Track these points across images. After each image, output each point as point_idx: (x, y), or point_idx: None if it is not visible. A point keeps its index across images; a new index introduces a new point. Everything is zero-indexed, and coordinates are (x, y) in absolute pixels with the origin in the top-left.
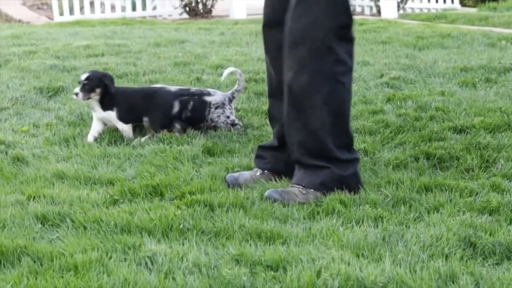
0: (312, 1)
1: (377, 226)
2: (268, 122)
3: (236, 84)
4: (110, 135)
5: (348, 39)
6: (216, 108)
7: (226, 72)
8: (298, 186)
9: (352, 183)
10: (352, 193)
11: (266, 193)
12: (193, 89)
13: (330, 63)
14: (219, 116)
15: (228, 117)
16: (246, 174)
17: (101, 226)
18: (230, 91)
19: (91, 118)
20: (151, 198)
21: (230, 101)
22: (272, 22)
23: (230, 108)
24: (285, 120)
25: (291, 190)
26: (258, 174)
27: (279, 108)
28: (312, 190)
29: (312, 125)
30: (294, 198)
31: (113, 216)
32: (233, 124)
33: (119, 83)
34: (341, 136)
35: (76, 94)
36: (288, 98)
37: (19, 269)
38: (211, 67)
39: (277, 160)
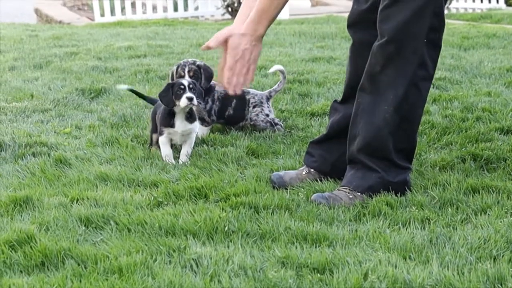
0: (405, 0)
1: (424, 228)
2: (313, 123)
3: (276, 84)
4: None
5: (435, 44)
6: (254, 106)
7: (274, 68)
8: (345, 188)
9: (399, 190)
10: (399, 195)
11: (312, 197)
12: None
13: (413, 65)
14: (257, 115)
15: (267, 115)
16: (292, 172)
17: (145, 228)
18: (268, 90)
19: (134, 119)
20: (195, 200)
21: (268, 99)
22: (358, 22)
23: (268, 107)
24: (354, 109)
25: (338, 194)
26: (304, 173)
27: (345, 104)
28: (359, 194)
29: (380, 122)
30: (339, 203)
31: (157, 218)
32: (274, 124)
33: (162, 85)
34: (403, 141)
35: (191, 99)
36: (372, 89)
37: (63, 272)
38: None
39: (324, 161)
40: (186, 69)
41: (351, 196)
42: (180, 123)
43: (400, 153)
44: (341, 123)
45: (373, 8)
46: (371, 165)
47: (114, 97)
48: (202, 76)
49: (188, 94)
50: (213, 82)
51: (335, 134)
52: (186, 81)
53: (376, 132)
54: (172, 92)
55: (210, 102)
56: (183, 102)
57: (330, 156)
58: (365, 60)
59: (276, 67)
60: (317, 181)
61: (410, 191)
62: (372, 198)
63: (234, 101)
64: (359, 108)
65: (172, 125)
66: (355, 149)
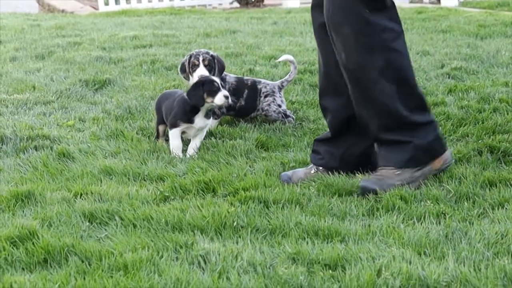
0: None
1: (439, 223)
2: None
3: (288, 74)
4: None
5: (381, 8)
6: (266, 96)
7: (284, 58)
8: (388, 167)
9: (438, 148)
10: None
11: (361, 185)
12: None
13: (374, 34)
14: (269, 105)
15: (279, 105)
16: (300, 172)
17: (152, 224)
18: (280, 80)
19: (140, 111)
20: (203, 194)
21: (280, 90)
22: (317, 3)
23: (280, 97)
24: (353, 103)
25: (384, 174)
26: (312, 172)
27: (329, 98)
28: (402, 169)
29: (379, 99)
30: (391, 183)
31: (163, 213)
32: (286, 115)
33: (168, 75)
34: (409, 99)
35: (227, 97)
36: (348, 79)
37: (66, 269)
38: (264, 58)
39: (332, 156)
40: (201, 58)
41: (397, 172)
42: (200, 120)
43: (414, 111)
44: (335, 122)
45: None
46: (399, 138)
47: (119, 88)
48: (216, 66)
49: (225, 92)
50: (225, 73)
51: (337, 132)
52: (217, 78)
53: (382, 109)
54: (203, 89)
55: None
56: (219, 100)
57: (337, 150)
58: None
59: (285, 56)
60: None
61: (445, 146)
62: (419, 170)
63: (246, 91)
64: (356, 98)
65: (191, 121)
66: (376, 134)
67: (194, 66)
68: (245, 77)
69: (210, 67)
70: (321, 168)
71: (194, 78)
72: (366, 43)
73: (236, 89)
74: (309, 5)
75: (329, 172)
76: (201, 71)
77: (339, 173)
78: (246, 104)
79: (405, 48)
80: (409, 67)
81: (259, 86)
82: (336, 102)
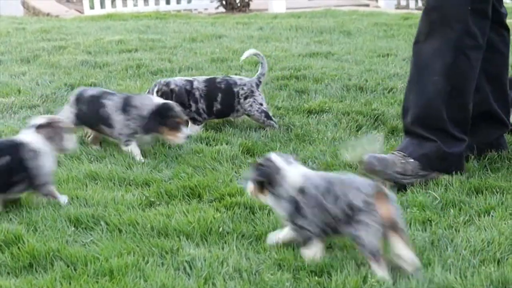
0: None
1: (425, 230)
2: (310, 121)
3: (260, 67)
4: None
5: (483, 15)
6: (245, 98)
7: (247, 54)
8: (399, 153)
9: (454, 163)
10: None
11: (366, 158)
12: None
13: (459, 33)
14: (251, 105)
15: (261, 104)
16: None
17: (137, 229)
18: (255, 77)
19: None
20: (188, 200)
21: (258, 86)
22: None
23: (260, 94)
24: (407, 82)
25: (390, 158)
26: None
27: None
28: (412, 160)
29: (430, 93)
30: (392, 168)
31: (149, 218)
32: (268, 117)
33: (154, 80)
34: (457, 111)
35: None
36: (415, 60)
37: (51, 273)
38: (250, 64)
39: None
40: (155, 89)
41: (403, 161)
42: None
43: (454, 124)
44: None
45: None
46: (427, 135)
47: None
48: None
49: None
50: (193, 77)
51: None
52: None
53: (428, 102)
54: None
55: (193, 103)
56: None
57: None
58: None
59: (248, 52)
60: None
61: (463, 170)
62: (424, 169)
63: (220, 95)
64: (412, 81)
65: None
66: (409, 121)
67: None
68: (217, 78)
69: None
70: None
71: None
72: (446, 36)
73: (208, 94)
74: (295, 11)
75: None
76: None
77: None
78: (222, 107)
79: (477, 62)
80: (472, 83)
81: (235, 89)
82: None
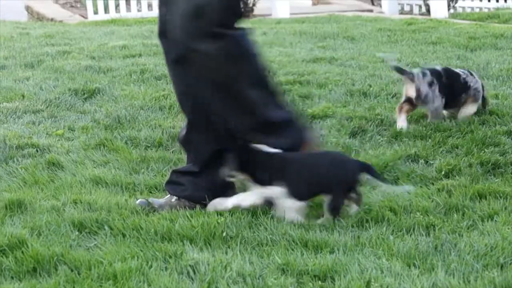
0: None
1: (428, 235)
2: (314, 127)
3: None
4: (147, 140)
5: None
6: None
7: None
8: None
9: None
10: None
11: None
12: None
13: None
14: None
15: None
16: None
17: (141, 233)
18: None
19: (129, 121)
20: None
21: None
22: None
23: None
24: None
25: None
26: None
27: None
28: None
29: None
30: None
31: (153, 223)
32: None
33: (158, 85)
34: None
35: None
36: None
37: (55, 278)
38: None
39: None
40: None
41: None
42: None
43: None
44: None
45: None
46: None
47: (108, 98)
48: None
49: None
50: None
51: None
52: None
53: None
54: None
55: None
56: None
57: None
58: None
59: None
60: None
61: None
62: None
63: None
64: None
65: None
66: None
67: None
68: None
69: None
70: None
71: None
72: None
73: None
74: (299, 16)
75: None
76: None
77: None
78: None
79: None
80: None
81: None
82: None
